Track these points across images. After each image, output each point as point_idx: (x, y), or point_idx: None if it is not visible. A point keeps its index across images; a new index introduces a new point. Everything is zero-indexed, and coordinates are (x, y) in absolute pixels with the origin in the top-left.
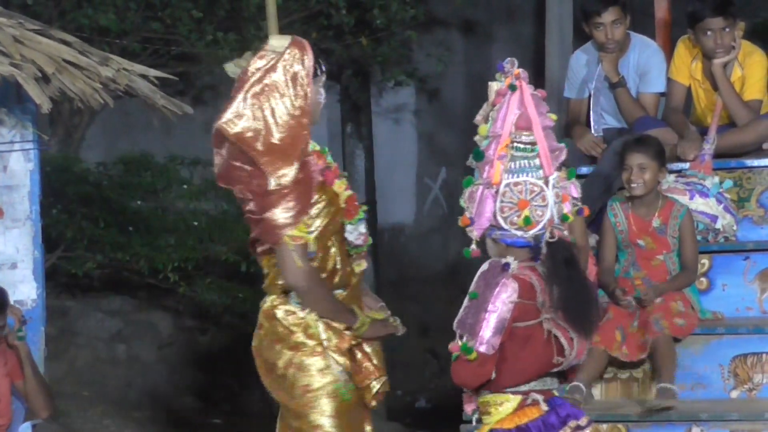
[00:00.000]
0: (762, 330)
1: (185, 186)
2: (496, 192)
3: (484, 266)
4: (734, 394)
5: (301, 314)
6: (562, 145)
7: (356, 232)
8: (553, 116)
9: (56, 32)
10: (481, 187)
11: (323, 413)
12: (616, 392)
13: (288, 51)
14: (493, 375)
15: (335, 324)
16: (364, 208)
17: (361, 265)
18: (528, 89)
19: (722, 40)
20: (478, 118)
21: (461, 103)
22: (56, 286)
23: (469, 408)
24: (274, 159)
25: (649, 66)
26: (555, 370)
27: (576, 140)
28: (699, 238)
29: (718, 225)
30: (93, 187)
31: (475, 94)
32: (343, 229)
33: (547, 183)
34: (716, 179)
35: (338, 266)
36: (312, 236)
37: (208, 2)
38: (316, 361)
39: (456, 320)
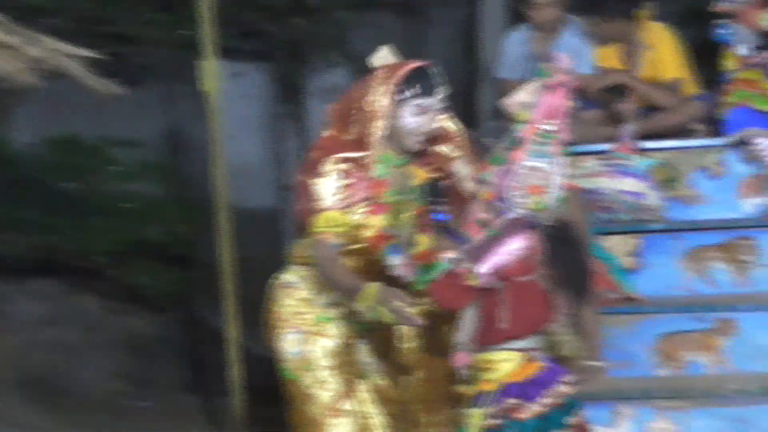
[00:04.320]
0: (689, 309)
1: (116, 168)
2: (514, 171)
3: (513, 214)
4: (661, 372)
5: None
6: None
7: (392, 266)
8: (571, 104)
9: None
10: (505, 164)
11: None
12: None
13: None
14: (504, 325)
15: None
16: (391, 243)
17: None
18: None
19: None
20: (509, 102)
21: None
22: None
23: (461, 363)
24: None
25: (581, 47)
26: (548, 325)
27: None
28: (627, 217)
29: (645, 202)
30: (22, 169)
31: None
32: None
33: (555, 169)
34: (638, 158)
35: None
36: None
37: None
38: None
39: (468, 247)
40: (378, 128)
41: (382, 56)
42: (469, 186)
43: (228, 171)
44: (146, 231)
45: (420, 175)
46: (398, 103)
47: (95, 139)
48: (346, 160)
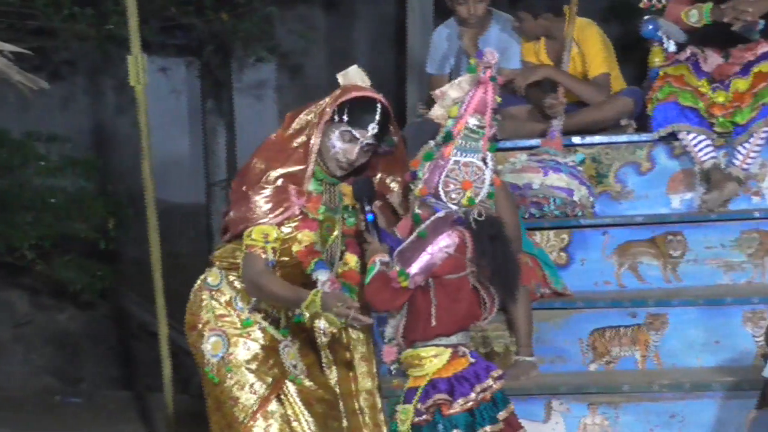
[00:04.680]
0: (619, 304)
1: (42, 162)
2: (444, 166)
3: (440, 213)
4: (593, 367)
5: None
6: (495, 123)
7: (318, 282)
8: (499, 98)
9: None
10: (436, 160)
11: None
12: None
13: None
14: (433, 323)
15: None
16: (318, 259)
17: None
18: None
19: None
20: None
21: (323, 79)
22: None
23: (389, 358)
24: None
25: (509, 42)
26: (477, 322)
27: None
28: (557, 212)
29: (575, 198)
30: None
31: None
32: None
33: (486, 164)
34: (567, 154)
35: None
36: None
37: None
38: None
39: (398, 250)
40: (315, 143)
41: (350, 74)
42: (397, 204)
43: (156, 166)
44: (73, 226)
45: (350, 194)
46: (332, 123)
47: (21, 135)
48: (284, 175)
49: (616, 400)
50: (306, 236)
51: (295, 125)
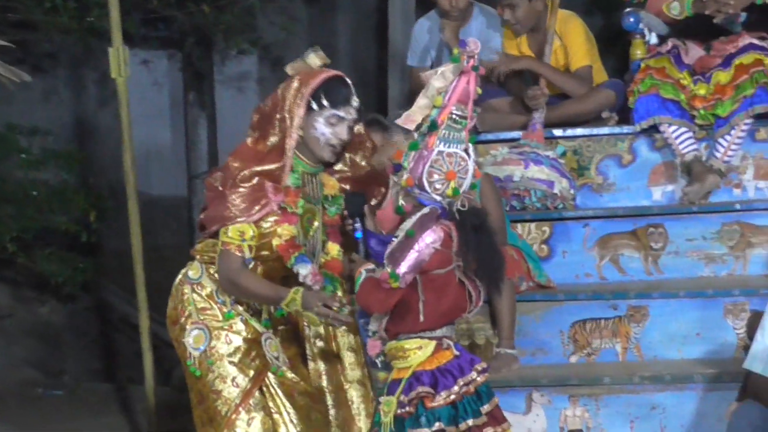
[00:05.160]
0: (600, 296)
1: (24, 155)
2: (428, 157)
3: (425, 210)
4: (573, 359)
5: None
6: (475, 114)
7: (300, 275)
8: (479, 90)
9: None
10: (420, 150)
11: None
12: None
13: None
14: (421, 318)
15: None
16: (298, 253)
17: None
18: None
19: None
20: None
21: None
22: None
23: (373, 351)
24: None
25: (491, 35)
26: (463, 315)
27: None
28: (538, 205)
29: (555, 190)
30: None
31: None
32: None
33: (468, 155)
34: (548, 147)
35: None
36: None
37: None
38: None
39: (388, 252)
40: (292, 138)
41: (310, 60)
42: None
43: (138, 159)
44: (55, 219)
45: (332, 184)
46: (312, 113)
47: (3, 127)
48: (261, 173)
49: (597, 392)
50: (286, 230)
51: (263, 127)
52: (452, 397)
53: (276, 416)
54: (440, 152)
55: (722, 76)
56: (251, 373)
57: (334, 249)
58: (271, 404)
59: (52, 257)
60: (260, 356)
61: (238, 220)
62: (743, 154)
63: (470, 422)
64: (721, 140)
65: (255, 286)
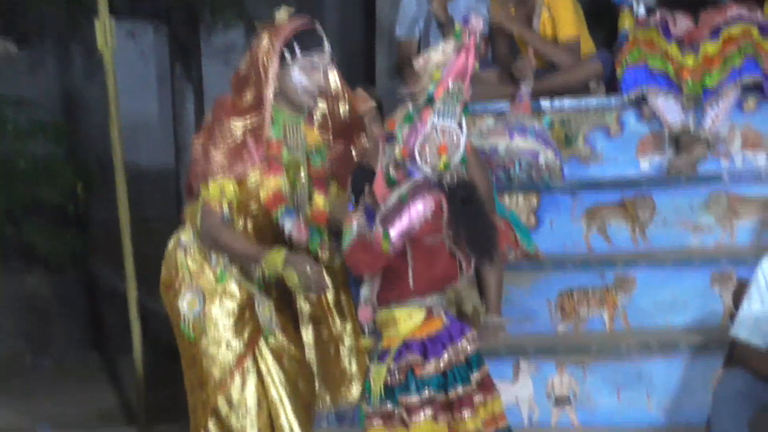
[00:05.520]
0: (587, 266)
1: (10, 127)
2: (422, 130)
3: (419, 177)
4: (560, 328)
5: None
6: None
7: (285, 228)
8: (477, 65)
9: None
10: (414, 123)
11: None
12: None
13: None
14: (411, 285)
15: None
16: (284, 206)
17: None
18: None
19: None
20: (421, 62)
21: None
22: None
23: (364, 318)
24: None
25: (478, 6)
26: (453, 284)
27: (407, 81)
28: (523, 176)
29: (540, 161)
30: None
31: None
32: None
33: (461, 129)
34: (534, 118)
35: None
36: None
37: None
38: None
39: (381, 215)
40: (269, 90)
41: (278, 17)
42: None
43: (125, 131)
44: (42, 191)
45: (314, 135)
46: (287, 63)
47: None
48: (241, 127)
49: (584, 360)
50: (272, 181)
51: (240, 86)
52: (442, 365)
53: (267, 379)
54: (434, 126)
55: (710, 47)
56: (245, 336)
57: (320, 199)
58: (262, 367)
59: (40, 229)
60: (254, 320)
61: (220, 175)
62: (731, 124)
63: (460, 390)
64: (708, 111)
65: (236, 242)
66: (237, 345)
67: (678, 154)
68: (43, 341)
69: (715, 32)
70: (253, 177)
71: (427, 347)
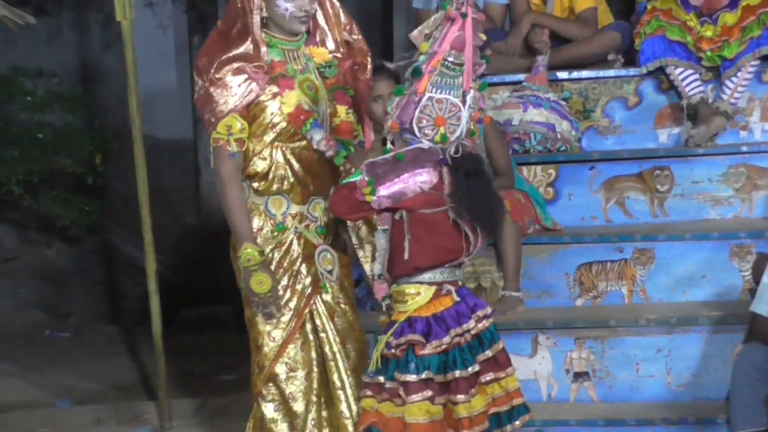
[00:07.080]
0: (606, 239)
1: (29, 98)
2: (419, 102)
3: (425, 145)
4: (579, 302)
5: None
6: (483, 61)
7: (314, 141)
8: (483, 36)
9: None
10: (408, 95)
11: None
12: None
13: None
14: (406, 256)
15: None
16: (311, 119)
17: None
18: (472, 15)
19: None
20: (415, 34)
21: None
22: None
23: (380, 294)
24: None
25: None
26: (462, 258)
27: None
28: (539, 148)
29: (556, 132)
30: None
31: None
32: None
33: (464, 102)
34: (550, 89)
35: (281, 172)
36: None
37: None
38: None
39: (369, 161)
40: (254, 17)
41: None
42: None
43: (143, 101)
44: (60, 161)
45: (320, 52)
46: None
47: (7, 70)
48: (234, 58)
49: (603, 335)
50: (289, 96)
51: (227, 22)
52: (442, 347)
53: (321, 335)
54: (430, 98)
55: (729, 18)
56: (297, 301)
57: (342, 110)
58: (318, 322)
59: (58, 200)
60: (311, 274)
61: (228, 111)
62: (750, 96)
63: (457, 373)
64: (727, 82)
65: (233, 201)
66: (278, 335)
67: (696, 126)
68: (61, 312)
69: (733, 2)
70: (267, 97)
71: (431, 327)
